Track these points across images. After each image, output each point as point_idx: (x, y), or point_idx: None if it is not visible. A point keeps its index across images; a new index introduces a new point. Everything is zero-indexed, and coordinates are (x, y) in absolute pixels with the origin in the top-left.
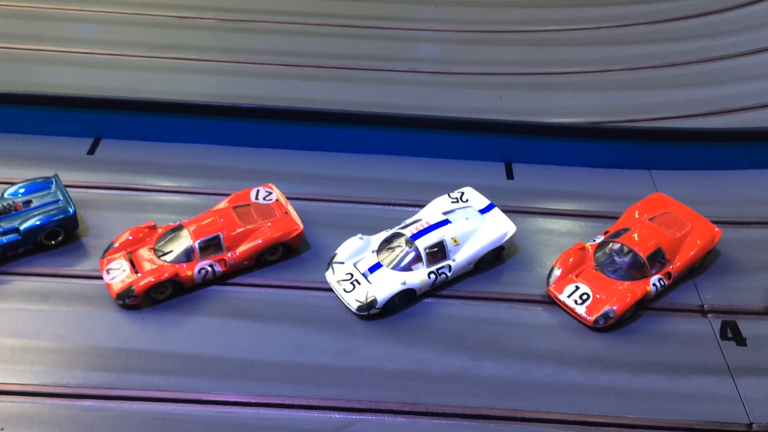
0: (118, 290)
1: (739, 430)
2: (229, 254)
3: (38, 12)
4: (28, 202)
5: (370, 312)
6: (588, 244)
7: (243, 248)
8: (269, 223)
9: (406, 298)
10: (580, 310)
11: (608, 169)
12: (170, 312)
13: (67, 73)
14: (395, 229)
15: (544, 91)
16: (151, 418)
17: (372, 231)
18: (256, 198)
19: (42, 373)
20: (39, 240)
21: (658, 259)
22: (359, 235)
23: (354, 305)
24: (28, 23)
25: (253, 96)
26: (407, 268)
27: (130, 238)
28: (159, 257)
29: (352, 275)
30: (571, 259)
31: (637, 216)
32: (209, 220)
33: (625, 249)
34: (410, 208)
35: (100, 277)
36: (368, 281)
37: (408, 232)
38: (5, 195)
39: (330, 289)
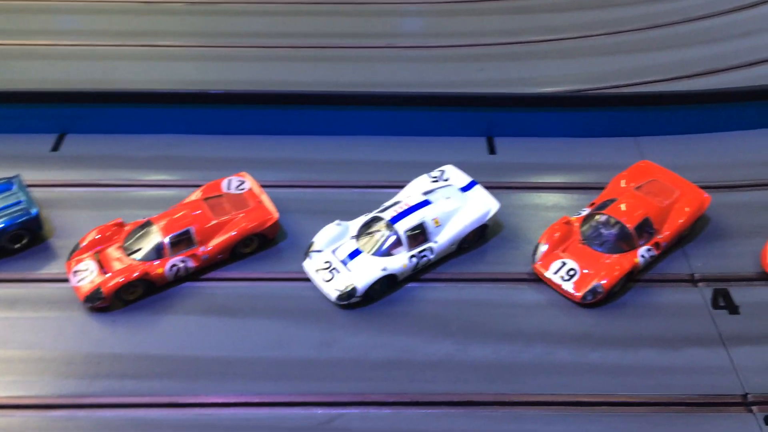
0: (86, 293)
1: (734, 401)
2: (201, 249)
3: None
4: None
5: (350, 301)
6: (573, 218)
7: (216, 242)
8: (242, 214)
9: (387, 284)
10: (568, 286)
11: (593, 138)
12: (142, 312)
13: (29, 66)
14: (374, 213)
15: (526, 60)
16: (125, 425)
17: (351, 216)
18: (229, 188)
19: (11, 384)
20: (2, 244)
21: (645, 229)
22: (337, 221)
23: (333, 295)
24: None
25: (223, 81)
26: (388, 252)
27: (98, 237)
28: (128, 256)
29: (330, 263)
30: (556, 234)
31: (623, 185)
32: (179, 214)
33: (612, 221)
34: (390, 190)
35: (68, 280)
36: (347, 269)
37: (387, 215)
38: None
39: (308, 279)
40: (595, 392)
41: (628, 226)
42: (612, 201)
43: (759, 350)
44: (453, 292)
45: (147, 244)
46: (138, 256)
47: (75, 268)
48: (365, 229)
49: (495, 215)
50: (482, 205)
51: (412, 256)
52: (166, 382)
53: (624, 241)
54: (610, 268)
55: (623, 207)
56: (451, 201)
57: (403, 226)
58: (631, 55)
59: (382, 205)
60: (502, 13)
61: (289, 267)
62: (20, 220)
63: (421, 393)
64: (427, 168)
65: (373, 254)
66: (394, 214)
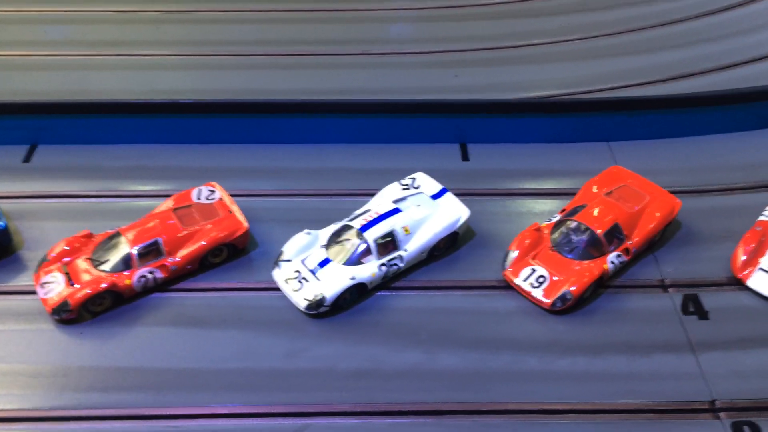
0: (53, 305)
1: (701, 408)
2: (170, 259)
3: None
4: None
5: (319, 310)
6: (544, 224)
7: (184, 252)
8: (211, 224)
9: (357, 293)
10: (537, 293)
11: (566, 143)
12: (110, 324)
13: (1, 77)
14: (344, 222)
15: (503, 66)
16: None
17: (323, 224)
18: (199, 198)
19: None
20: None
21: (615, 235)
22: (306, 230)
23: (302, 304)
24: None
25: (197, 90)
26: (357, 261)
27: (66, 248)
28: (96, 267)
29: (299, 273)
30: (527, 241)
31: (595, 191)
32: (147, 225)
33: (582, 227)
34: (362, 198)
35: (36, 292)
36: (316, 278)
37: (357, 224)
38: None
39: (278, 289)
40: (563, 399)
41: (597, 232)
42: (582, 207)
43: (727, 356)
44: (423, 300)
45: (115, 256)
46: (106, 267)
47: (42, 280)
48: (335, 238)
49: (467, 222)
50: (452, 212)
51: (382, 264)
52: (133, 394)
53: (594, 248)
54: (580, 274)
55: (593, 213)
56: (422, 209)
57: (372, 235)
58: (607, 59)
59: (353, 214)
60: (478, 19)
61: (259, 277)
62: None
63: (388, 402)
64: (399, 175)
65: (343, 263)
66: (364, 222)
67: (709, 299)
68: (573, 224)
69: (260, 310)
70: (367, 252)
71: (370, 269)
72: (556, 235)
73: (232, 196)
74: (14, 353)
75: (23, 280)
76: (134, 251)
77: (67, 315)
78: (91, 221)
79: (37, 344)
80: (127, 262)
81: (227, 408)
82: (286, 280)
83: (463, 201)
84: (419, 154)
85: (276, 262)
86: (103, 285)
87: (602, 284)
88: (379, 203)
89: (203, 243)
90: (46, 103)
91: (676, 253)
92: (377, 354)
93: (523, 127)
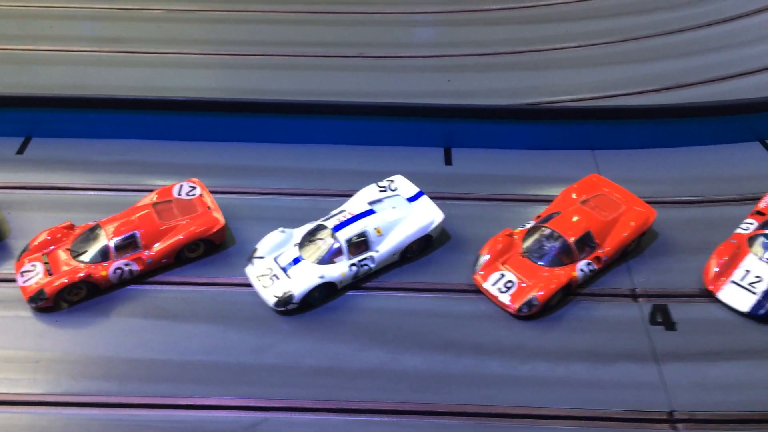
0: (30, 293)
1: (659, 417)
2: (146, 252)
3: None
4: None
5: (288, 307)
6: (517, 230)
7: (161, 246)
8: (188, 220)
9: (326, 292)
10: (504, 298)
11: (551, 150)
12: (85, 314)
13: (3, 71)
14: (318, 221)
15: (496, 72)
16: (54, 422)
17: (302, 223)
18: (179, 194)
19: None
20: None
21: (587, 243)
22: (281, 229)
23: (271, 301)
24: None
25: (190, 88)
26: (329, 260)
27: (48, 238)
28: (75, 258)
29: (271, 270)
30: (498, 246)
31: (574, 197)
32: (126, 218)
33: (554, 234)
34: (342, 199)
35: (16, 280)
36: (287, 276)
37: (331, 223)
38: None
39: (250, 285)
40: (521, 404)
41: (568, 239)
42: (556, 214)
43: (690, 367)
44: (393, 301)
45: (93, 247)
46: (84, 258)
47: (23, 269)
48: (309, 237)
49: (444, 226)
50: (426, 215)
51: (353, 264)
52: (99, 383)
53: (564, 255)
54: (547, 281)
55: (565, 221)
56: (396, 211)
57: (344, 235)
58: (604, 68)
59: (329, 213)
60: (476, 25)
61: (233, 273)
62: None
63: (347, 400)
64: (381, 177)
65: (315, 262)
66: (338, 222)
67: (678, 310)
68: (545, 231)
69: (232, 305)
70: (339, 252)
71: (340, 269)
72: (528, 241)
73: (215, 193)
74: None
75: (5, 269)
76: (111, 243)
77: (44, 303)
78: (77, 213)
79: (13, 330)
80: (104, 254)
81: (188, 399)
82: (258, 277)
83: (441, 205)
84: (403, 157)
85: (249, 259)
86: (80, 275)
87: (571, 291)
88: (355, 204)
89: (180, 237)
90: (40, 97)
91: (649, 263)
92: (342, 352)
93: (508, 133)
